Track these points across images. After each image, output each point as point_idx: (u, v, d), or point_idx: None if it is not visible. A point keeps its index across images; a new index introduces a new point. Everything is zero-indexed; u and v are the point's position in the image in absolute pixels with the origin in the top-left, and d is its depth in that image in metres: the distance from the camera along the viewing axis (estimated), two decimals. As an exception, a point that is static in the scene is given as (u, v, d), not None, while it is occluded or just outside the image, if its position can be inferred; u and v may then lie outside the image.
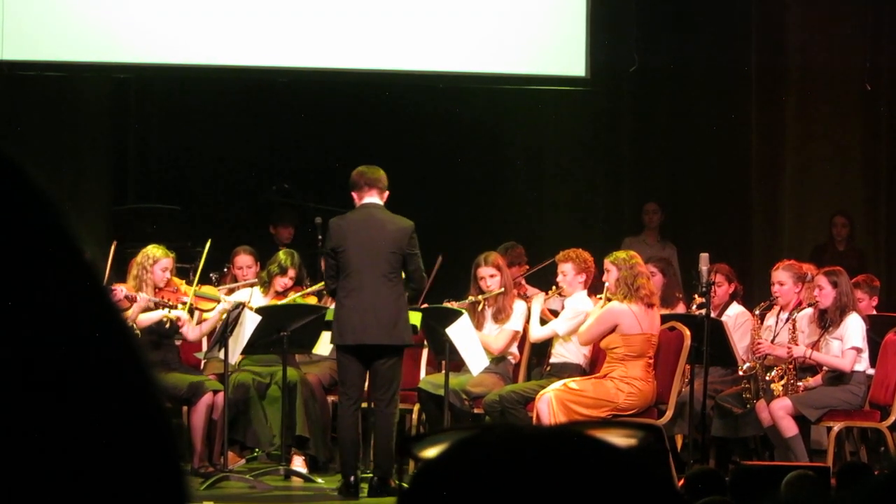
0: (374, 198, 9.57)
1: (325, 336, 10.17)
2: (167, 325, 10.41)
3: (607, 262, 10.36)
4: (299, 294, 10.85)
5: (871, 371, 10.34)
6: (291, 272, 10.90)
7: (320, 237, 12.17)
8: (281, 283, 10.89)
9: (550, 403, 9.98)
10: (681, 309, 11.37)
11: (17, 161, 1.15)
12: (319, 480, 10.13)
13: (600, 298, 10.49)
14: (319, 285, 10.79)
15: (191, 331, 10.62)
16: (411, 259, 9.50)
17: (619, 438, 1.20)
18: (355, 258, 9.47)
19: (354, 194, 9.64)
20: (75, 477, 1.11)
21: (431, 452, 1.22)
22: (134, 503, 1.12)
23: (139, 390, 1.16)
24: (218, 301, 10.68)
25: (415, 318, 9.73)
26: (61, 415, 1.11)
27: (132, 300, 10.26)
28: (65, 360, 1.12)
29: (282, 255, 11.02)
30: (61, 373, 1.11)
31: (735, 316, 11.01)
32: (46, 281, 1.13)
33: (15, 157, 1.15)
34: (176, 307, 10.42)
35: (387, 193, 9.63)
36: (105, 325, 1.15)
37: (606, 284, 10.39)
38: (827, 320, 10.30)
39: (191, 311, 10.60)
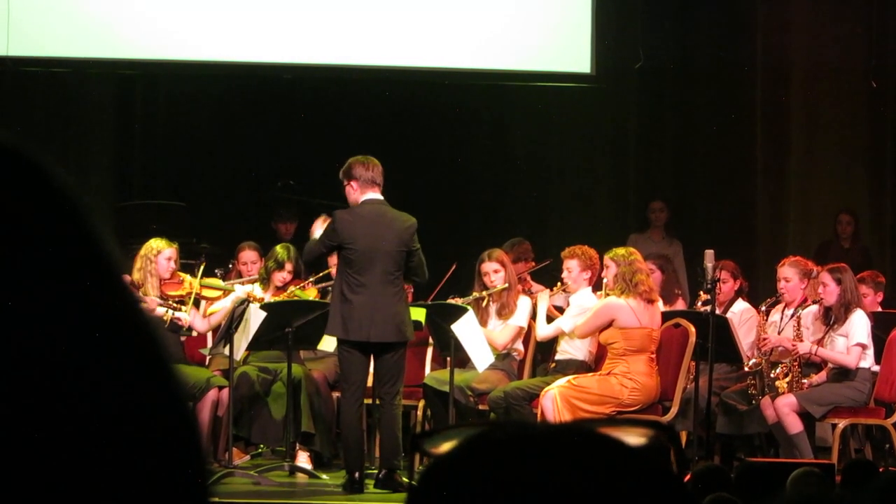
0: (375, 194, 9.55)
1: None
2: (166, 325, 10.39)
3: (606, 259, 10.36)
4: (299, 287, 10.83)
5: (876, 368, 10.34)
6: (289, 266, 10.88)
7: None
8: (279, 277, 10.87)
9: (555, 400, 9.98)
10: (680, 305, 11.38)
11: (34, 151, 1.15)
12: (324, 477, 10.12)
13: (601, 295, 10.49)
14: (323, 275, 10.73)
15: (199, 322, 10.61)
16: (414, 254, 9.47)
17: (630, 436, 1.20)
18: (364, 255, 9.43)
19: (354, 184, 9.57)
20: (97, 474, 1.11)
21: (442, 448, 1.22)
22: (157, 500, 1.12)
23: (161, 386, 1.15)
24: (222, 289, 10.65)
25: (419, 314, 9.71)
26: (81, 412, 1.11)
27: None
28: (84, 354, 1.12)
29: (279, 249, 10.99)
30: (82, 367, 1.11)
31: (740, 312, 11.01)
32: (66, 274, 1.13)
33: (34, 149, 1.15)
34: (180, 308, 10.41)
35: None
36: (126, 320, 1.15)
37: (605, 280, 10.40)
38: (832, 317, 10.30)
39: (196, 303, 10.60)
